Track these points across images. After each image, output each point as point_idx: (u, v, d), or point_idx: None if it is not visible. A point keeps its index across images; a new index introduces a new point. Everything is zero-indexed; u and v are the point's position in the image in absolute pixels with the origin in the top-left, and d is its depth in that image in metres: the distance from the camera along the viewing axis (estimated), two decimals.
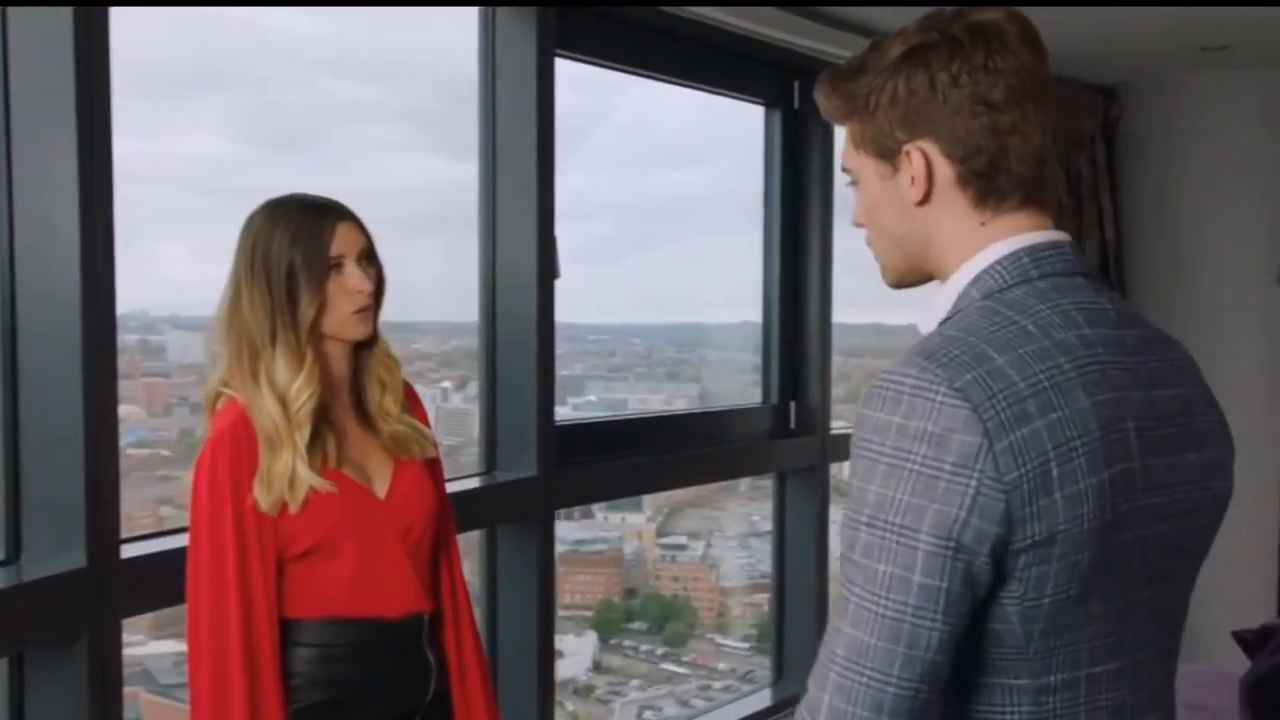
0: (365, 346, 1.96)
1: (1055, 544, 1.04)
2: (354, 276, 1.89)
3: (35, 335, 2.03)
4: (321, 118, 2.77)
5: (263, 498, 1.83)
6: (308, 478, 1.84)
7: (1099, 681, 1.11)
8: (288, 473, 1.83)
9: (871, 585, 1.03)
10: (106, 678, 2.05)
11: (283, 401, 1.84)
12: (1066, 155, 4.22)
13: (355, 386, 1.97)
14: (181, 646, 1.91)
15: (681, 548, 4.04)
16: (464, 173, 2.93)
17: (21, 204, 2.02)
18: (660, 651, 3.94)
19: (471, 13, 2.89)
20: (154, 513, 2.54)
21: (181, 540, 1.92)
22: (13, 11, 2.01)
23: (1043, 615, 1.06)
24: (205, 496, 1.83)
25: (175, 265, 2.48)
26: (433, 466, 2.05)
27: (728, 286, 3.93)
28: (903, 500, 1.03)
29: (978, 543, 1.02)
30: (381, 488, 1.95)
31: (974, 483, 1.02)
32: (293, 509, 1.84)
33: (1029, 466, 1.03)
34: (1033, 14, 1.17)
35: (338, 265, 1.88)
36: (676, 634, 4.00)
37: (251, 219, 1.91)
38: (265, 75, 2.65)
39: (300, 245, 1.86)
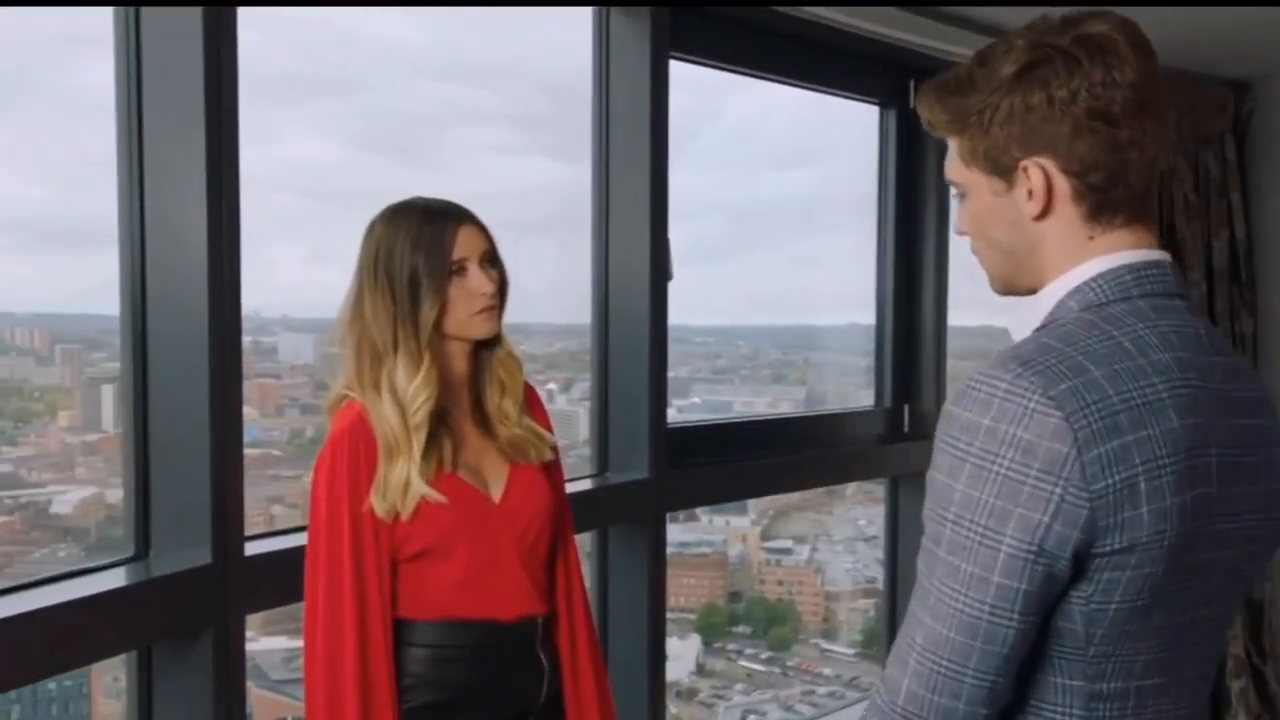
0: (487, 346, 1.96)
1: (1133, 554, 1.06)
2: (476, 278, 1.89)
3: (164, 339, 2.08)
4: (431, 122, 2.79)
5: (378, 504, 1.84)
6: (420, 489, 1.84)
7: (1146, 695, 1.13)
8: (402, 482, 1.84)
9: (952, 581, 1.08)
10: (230, 672, 2.09)
11: (402, 408, 1.85)
12: (1194, 152, 4.06)
13: (474, 388, 1.97)
14: (291, 643, 1.93)
15: (786, 551, 4.00)
16: (574, 175, 2.93)
17: (152, 213, 2.07)
18: (764, 656, 3.90)
19: (580, 16, 2.88)
20: (266, 511, 2.59)
21: (301, 539, 1.94)
22: (145, 13, 2.06)
23: (1106, 619, 1.09)
24: (324, 498, 1.85)
25: (287, 268, 2.51)
26: (550, 469, 2.04)
27: (835, 288, 3.87)
28: (988, 502, 1.06)
29: (1060, 548, 1.05)
30: (497, 491, 1.95)
31: (1059, 490, 1.04)
32: (404, 517, 1.85)
33: (1117, 478, 1.05)
34: (1162, 10, 1.14)
35: (460, 269, 1.88)
36: (781, 638, 3.96)
37: (373, 225, 1.91)
38: (376, 81, 2.67)
39: (422, 250, 1.86)
